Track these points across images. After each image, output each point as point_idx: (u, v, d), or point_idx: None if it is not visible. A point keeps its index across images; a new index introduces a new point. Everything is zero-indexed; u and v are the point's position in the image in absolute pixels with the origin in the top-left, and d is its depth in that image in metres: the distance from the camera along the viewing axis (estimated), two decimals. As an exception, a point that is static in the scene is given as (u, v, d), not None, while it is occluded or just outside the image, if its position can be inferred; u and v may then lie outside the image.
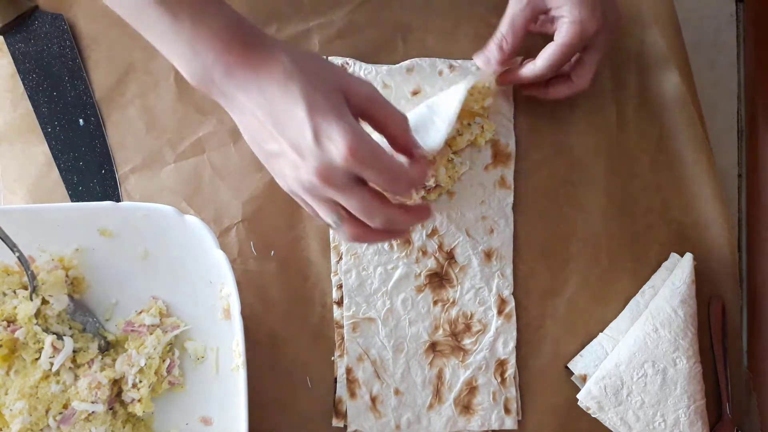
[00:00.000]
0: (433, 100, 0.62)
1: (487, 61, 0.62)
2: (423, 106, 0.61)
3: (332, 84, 0.49)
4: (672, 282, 0.65)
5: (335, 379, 0.64)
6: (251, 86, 0.48)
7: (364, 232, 0.52)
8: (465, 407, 0.64)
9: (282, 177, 0.52)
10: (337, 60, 0.67)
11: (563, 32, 0.58)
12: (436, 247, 0.65)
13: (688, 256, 0.65)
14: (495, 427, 0.64)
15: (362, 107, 0.50)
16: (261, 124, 0.49)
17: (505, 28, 0.60)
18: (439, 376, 0.64)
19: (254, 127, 0.50)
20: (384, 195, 0.51)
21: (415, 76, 0.67)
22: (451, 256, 0.65)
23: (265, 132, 0.49)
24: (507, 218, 0.66)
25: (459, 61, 0.68)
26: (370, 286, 0.64)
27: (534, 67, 0.61)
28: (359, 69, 0.67)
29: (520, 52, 0.62)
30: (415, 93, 0.67)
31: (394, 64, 0.68)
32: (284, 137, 0.48)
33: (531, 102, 0.66)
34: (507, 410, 0.64)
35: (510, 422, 0.64)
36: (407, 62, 0.67)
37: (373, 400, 0.63)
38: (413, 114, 0.60)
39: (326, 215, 0.51)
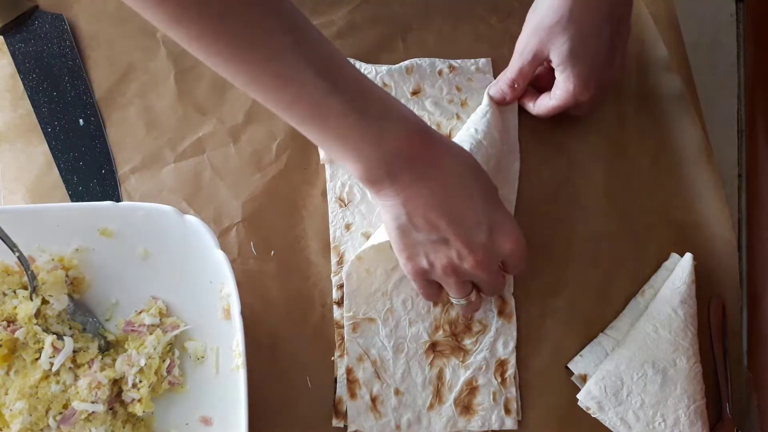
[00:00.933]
0: (496, 155, 0.64)
1: (502, 97, 0.65)
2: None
3: (492, 183, 0.56)
4: (672, 282, 0.65)
5: (335, 379, 0.64)
6: (432, 177, 0.52)
7: (478, 305, 0.61)
8: (465, 407, 0.64)
9: (426, 262, 0.56)
10: (336, 60, 0.67)
11: (557, 96, 0.62)
12: None
13: (688, 256, 0.65)
14: (495, 427, 0.63)
15: None
16: (429, 216, 0.53)
17: (515, 74, 0.63)
18: (440, 377, 0.64)
19: (418, 218, 0.53)
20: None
21: (414, 76, 0.67)
22: (451, 256, 0.65)
23: (432, 224, 0.53)
24: None
25: (459, 61, 0.68)
26: (370, 286, 0.64)
27: (530, 108, 0.66)
28: (359, 68, 0.67)
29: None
30: (414, 92, 0.67)
31: (394, 64, 0.68)
32: (457, 231, 0.53)
33: (531, 102, 0.66)
34: (507, 410, 0.64)
35: (510, 422, 0.64)
36: (407, 62, 0.68)
37: (374, 400, 0.63)
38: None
39: (460, 293, 0.58)
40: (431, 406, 0.63)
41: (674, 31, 0.70)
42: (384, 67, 0.67)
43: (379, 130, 0.50)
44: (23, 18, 0.67)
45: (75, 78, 0.67)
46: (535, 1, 0.61)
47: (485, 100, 0.65)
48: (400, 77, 0.67)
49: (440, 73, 0.68)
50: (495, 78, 0.67)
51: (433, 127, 0.66)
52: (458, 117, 0.67)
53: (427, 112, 0.67)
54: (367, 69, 0.67)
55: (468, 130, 0.63)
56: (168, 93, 0.67)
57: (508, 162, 0.66)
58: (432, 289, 0.59)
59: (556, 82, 0.62)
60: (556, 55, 0.59)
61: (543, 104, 0.64)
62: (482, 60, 0.68)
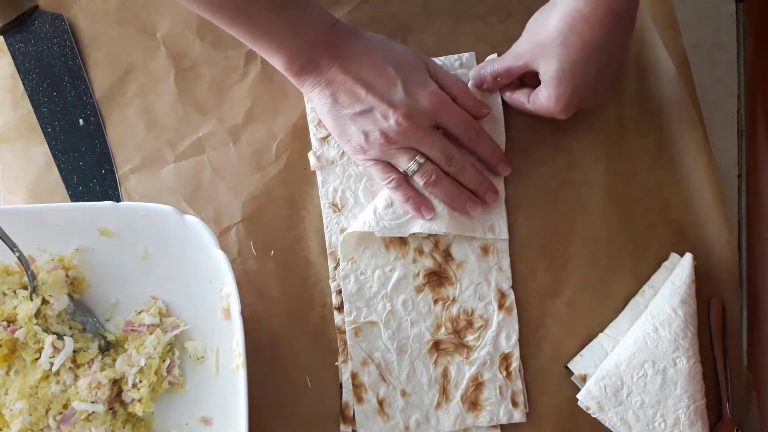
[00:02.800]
0: None
1: (480, 82, 0.66)
2: None
3: (408, 50, 0.63)
4: (672, 282, 0.65)
5: (340, 384, 0.64)
6: (347, 57, 0.59)
7: (439, 176, 0.62)
8: (472, 404, 0.64)
9: (362, 135, 0.60)
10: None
11: (535, 104, 0.63)
12: (432, 246, 0.65)
13: (688, 256, 0.65)
14: (504, 421, 0.64)
15: (432, 75, 0.63)
16: (352, 88, 0.59)
17: (502, 71, 0.64)
18: (445, 375, 0.64)
19: (343, 92, 0.60)
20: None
21: None
22: (447, 254, 0.65)
23: (356, 94, 0.59)
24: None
25: (442, 57, 0.68)
26: (369, 289, 0.64)
27: (506, 96, 0.67)
28: None
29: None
30: None
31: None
32: (376, 94, 0.59)
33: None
34: (514, 403, 0.64)
35: (518, 415, 0.64)
36: None
37: (380, 403, 0.63)
38: None
39: (405, 162, 0.61)
40: (438, 405, 0.63)
41: (673, 32, 0.70)
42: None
43: (298, 22, 0.58)
44: (23, 18, 0.67)
45: (75, 78, 0.67)
46: (541, 9, 0.61)
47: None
48: None
49: None
50: None
51: None
52: None
53: None
54: None
55: None
56: (168, 93, 0.67)
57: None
58: (386, 167, 0.62)
59: (539, 91, 0.62)
60: (544, 73, 0.60)
61: (518, 102, 0.65)
62: (466, 54, 0.68)
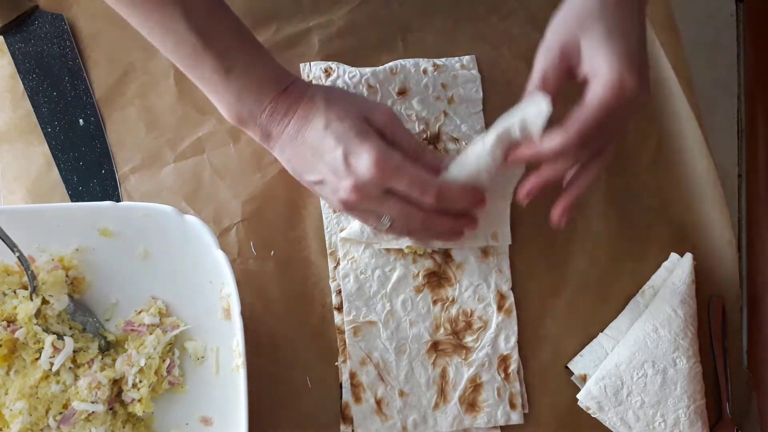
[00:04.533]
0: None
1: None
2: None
3: (355, 112, 0.56)
4: (672, 282, 0.65)
5: (340, 384, 0.64)
6: (290, 125, 0.57)
7: (411, 228, 0.59)
8: (470, 405, 0.64)
9: (328, 200, 0.59)
10: (320, 65, 0.67)
11: (599, 90, 0.50)
12: None
13: (688, 256, 0.65)
14: (501, 423, 0.63)
15: (380, 128, 0.56)
16: (303, 157, 0.57)
17: (538, 82, 0.54)
18: (443, 375, 0.64)
19: (296, 161, 0.58)
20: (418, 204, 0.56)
21: (399, 76, 0.67)
22: (447, 255, 0.65)
23: (307, 164, 0.57)
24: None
25: (443, 59, 0.68)
26: (369, 289, 0.64)
27: (558, 138, 0.51)
28: (343, 72, 0.67)
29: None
30: (401, 93, 0.67)
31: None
32: (324, 164, 0.56)
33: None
34: (512, 405, 0.64)
35: (516, 417, 0.64)
36: (390, 64, 0.67)
37: (378, 403, 0.63)
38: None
39: (376, 222, 0.58)
40: (436, 406, 0.63)
41: (672, 32, 0.70)
42: (368, 69, 0.67)
43: (240, 87, 0.56)
44: (23, 18, 0.67)
45: (75, 78, 0.67)
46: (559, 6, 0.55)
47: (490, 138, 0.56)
48: (385, 78, 0.67)
49: (425, 72, 0.68)
50: (480, 73, 0.67)
51: (421, 125, 0.67)
52: (445, 114, 0.67)
53: (415, 111, 0.67)
54: (351, 72, 0.67)
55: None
56: (168, 93, 0.67)
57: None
58: (364, 217, 0.60)
59: (591, 85, 0.51)
60: (590, 39, 0.51)
61: (579, 116, 0.51)
62: (466, 57, 0.68)
